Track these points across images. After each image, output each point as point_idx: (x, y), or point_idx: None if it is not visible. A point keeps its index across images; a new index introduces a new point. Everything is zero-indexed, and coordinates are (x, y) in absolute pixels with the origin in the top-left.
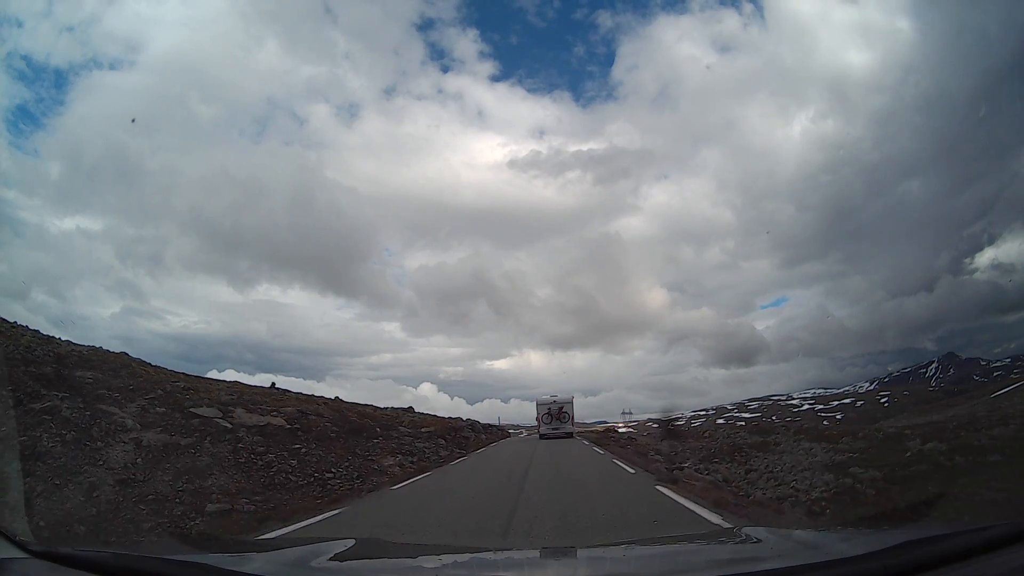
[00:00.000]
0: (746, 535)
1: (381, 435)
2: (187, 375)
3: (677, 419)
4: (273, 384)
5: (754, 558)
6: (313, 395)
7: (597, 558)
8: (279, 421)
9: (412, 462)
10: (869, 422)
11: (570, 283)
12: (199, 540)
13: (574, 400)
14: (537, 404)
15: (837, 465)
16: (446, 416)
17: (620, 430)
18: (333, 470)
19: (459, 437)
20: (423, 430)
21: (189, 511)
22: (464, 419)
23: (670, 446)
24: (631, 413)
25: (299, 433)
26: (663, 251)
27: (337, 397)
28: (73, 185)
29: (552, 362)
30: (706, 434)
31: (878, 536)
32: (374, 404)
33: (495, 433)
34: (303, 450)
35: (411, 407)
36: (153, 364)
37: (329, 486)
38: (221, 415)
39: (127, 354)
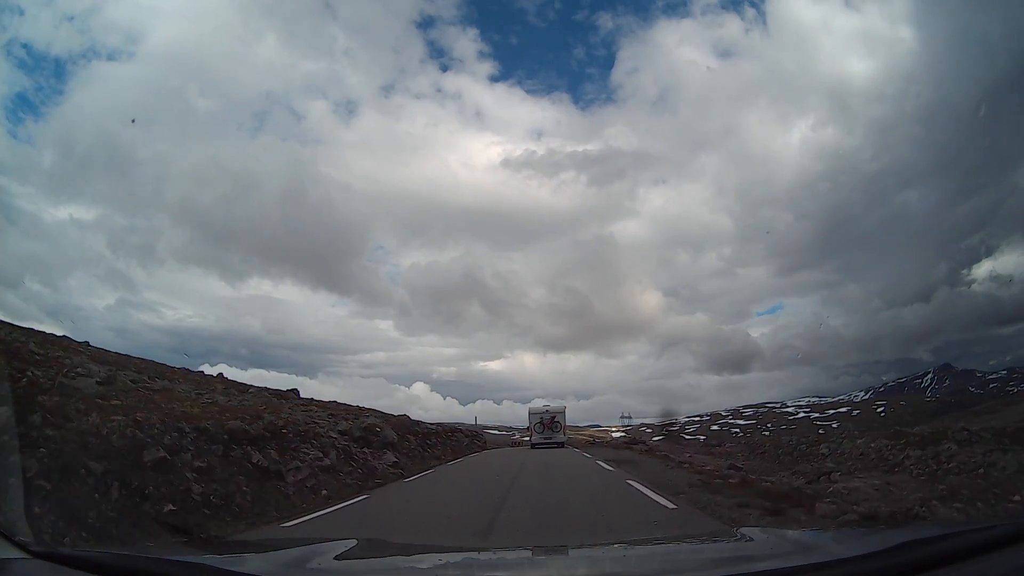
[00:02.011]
0: (742, 535)
1: None
2: None
3: (672, 425)
4: None
5: (751, 558)
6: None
7: (594, 557)
8: None
9: None
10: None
11: (564, 285)
12: (199, 540)
13: (566, 410)
14: (530, 413)
15: None
16: (355, 405)
17: (648, 440)
18: None
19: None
20: None
21: None
22: (412, 419)
23: (828, 479)
24: (630, 417)
25: None
26: (658, 255)
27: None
28: (67, 174)
29: (546, 364)
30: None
31: (877, 536)
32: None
33: (456, 446)
34: None
35: (295, 389)
36: None
37: None
38: None
39: None
